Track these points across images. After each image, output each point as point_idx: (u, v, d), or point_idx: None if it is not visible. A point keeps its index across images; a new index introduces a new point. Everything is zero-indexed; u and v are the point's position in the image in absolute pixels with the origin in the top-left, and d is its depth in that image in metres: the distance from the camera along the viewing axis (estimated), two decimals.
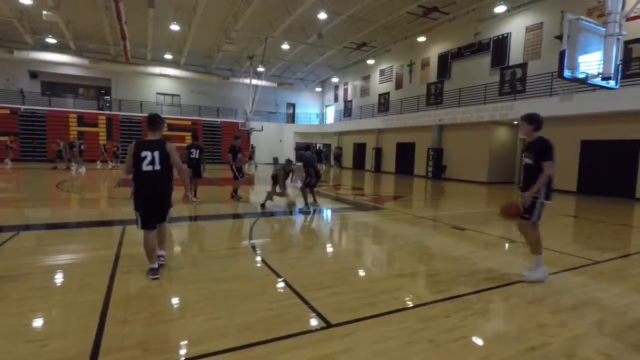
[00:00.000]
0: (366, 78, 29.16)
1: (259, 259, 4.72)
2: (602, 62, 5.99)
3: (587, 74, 6.06)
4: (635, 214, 10.02)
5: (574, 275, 4.35)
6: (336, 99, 34.25)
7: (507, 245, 6.01)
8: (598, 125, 13.68)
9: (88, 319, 2.81)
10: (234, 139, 10.12)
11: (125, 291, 3.41)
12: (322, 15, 18.35)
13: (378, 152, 26.19)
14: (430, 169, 20.64)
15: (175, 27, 20.54)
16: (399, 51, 24.62)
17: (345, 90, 32.32)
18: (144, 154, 3.70)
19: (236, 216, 8.09)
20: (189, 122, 29.29)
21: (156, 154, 3.73)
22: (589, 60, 6.06)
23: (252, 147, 27.85)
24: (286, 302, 3.28)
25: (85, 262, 4.44)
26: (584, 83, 6.48)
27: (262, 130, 29.72)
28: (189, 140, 28.11)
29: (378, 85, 27.61)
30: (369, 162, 27.31)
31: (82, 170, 18.02)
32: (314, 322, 2.91)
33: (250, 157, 26.27)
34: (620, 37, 6.04)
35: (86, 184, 13.71)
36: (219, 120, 31.02)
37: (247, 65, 27.76)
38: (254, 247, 5.23)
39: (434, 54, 22.14)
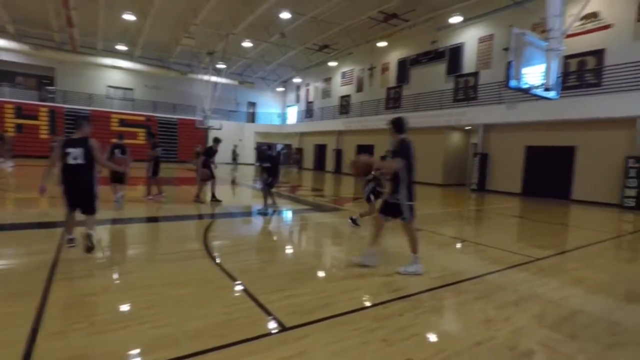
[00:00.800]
0: (328, 80, 29.39)
1: (213, 262, 4.59)
2: (544, 74, 6.46)
3: (531, 84, 6.50)
4: (571, 214, 10.87)
5: (517, 272, 4.63)
6: (298, 99, 34.22)
7: (459, 244, 6.28)
8: (540, 132, 14.71)
9: (17, 331, 2.56)
10: (214, 142, 9.55)
11: (64, 299, 3.18)
12: (285, 15, 18.30)
13: (338, 153, 26.47)
14: None
15: (129, 17, 19.57)
16: (360, 55, 25.04)
17: (307, 91, 32.38)
18: (68, 150, 4.28)
19: (191, 217, 7.82)
20: (143, 118, 28.02)
21: (80, 150, 4.31)
22: (532, 72, 6.51)
23: (199, 148, 27.07)
24: (241, 306, 3.21)
25: (19, 268, 4.09)
26: (527, 93, 6.94)
27: (221, 128, 28.96)
28: (142, 137, 27.17)
29: (339, 88, 27.92)
30: (330, 163, 27.54)
31: (7, 165, 16.51)
32: (269, 325, 2.87)
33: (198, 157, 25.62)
34: (559, 52, 6.54)
35: (23, 182, 12.68)
36: (175, 117, 29.92)
37: (207, 61, 27.03)
38: (208, 250, 5.08)
39: (393, 59, 22.76)
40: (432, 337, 2.84)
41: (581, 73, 13.99)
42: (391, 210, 4.32)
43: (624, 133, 12.38)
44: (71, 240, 4.55)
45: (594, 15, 13.69)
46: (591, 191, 13.21)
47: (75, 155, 4.26)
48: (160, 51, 27.88)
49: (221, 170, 22.19)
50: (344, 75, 27.46)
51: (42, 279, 3.56)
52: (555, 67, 6.46)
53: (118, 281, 3.73)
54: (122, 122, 27.03)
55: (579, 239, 6.97)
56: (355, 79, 26.26)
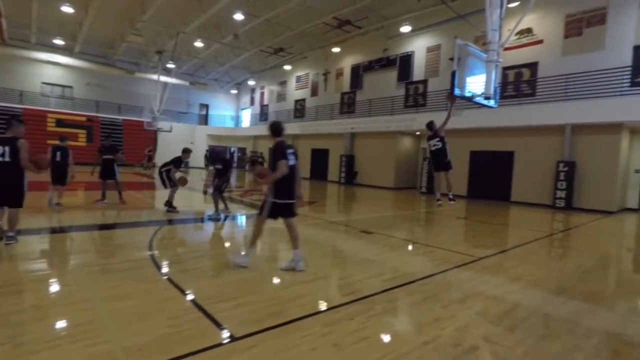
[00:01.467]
0: (283, 83, 29.30)
1: (159, 271, 4.37)
2: (484, 83, 6.89)
3: (473, 93, 6.89)
4: (510, 215, 11.66)
5: (462, 271, 4.85)
6: (252, 102, 33.76)
7: (409, 246, 6.48)
8: (483, 138, 15.66)
9: None
10: (184, 152, 9.13)
11: None
12: (239, 16, 18.00)
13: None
14: (342, 174, 21.45)
15: (67, 9, 18.22)
16: (315, 59, 25.23)
17: (262, 94, 32.06)
18: None
19: (138, 225, 7.41)
20: (84, 118, 26.19)
21: (7, 148, 4.66)
22: (475, 82, 6.91)
23: (150, 151, 25.83)
24: (187, 317, 3.06)
25: None
26: (470, 101, 7.35)
27: (171, 131, 27.92)
28: (82, 138, 25.40)
29: (294, 91, 27.94)
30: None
31: None
32: (217, 336, 2.76)
33: (150, 159, 24.49)
34: (498, 63, 7.01)
35: None
36: (120, 117, 28.24)
37: (156, 60, 25.92)
38: (154, 259, 4.82)
39: (347, 64, 23.18)
40: (382, 339, 2.88)
41: (518, 83, 15.11)
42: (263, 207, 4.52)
43: (555, 139, 13.51)
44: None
45: (528, 31, 14.85)
46: (528, 193, 14.26)
47: (2, 153, 4.62)
48: (103, 47, 26.26)
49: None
50: (299, 79, 27.52)
51: None
52: (494, 77, 6.91)
53: (51, 296, 3.42)
54: (60, 123, 25.07)
55: (517, 238, 7.48)
56: (310, 83, 26.41)
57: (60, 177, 7.93)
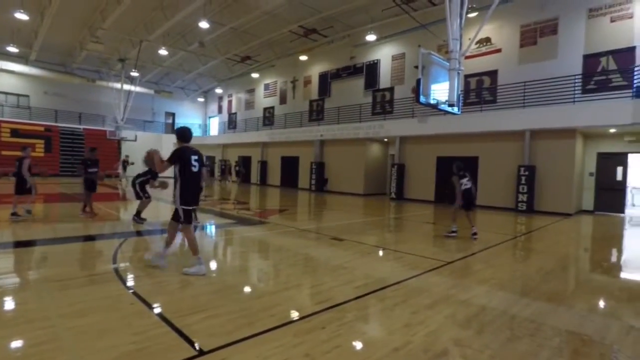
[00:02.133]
0: (251, 91, 29.12)
1: (124, 285, 4.17)
2: (448, 91, 7.14)
3: (438, 100, 7.13)
4: (476, 219, 12.00)
5: (431, 275, 4.94)
6: (220, 110, 33.31)
7: (380, 252, 6.54)
8: (449, 144, 16.15)
9: None
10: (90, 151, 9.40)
11: None
12: (204, 24, 17.77)
13: (263, 165, 26.21)
14: (313, 182, 21.48)
15: (22, 16, 17.32)
16: (282, 67, 25.28)
17: (230, 102, 31.71)
18: None
19: (99, 237, 7.06)
20: (42, 128, 24.92)
21: None
22: (439, 89, 7.15)
23: (127, 157, 24.87)
24: (153, 332, 2.93)
25: None
26: (435, 108, 7.59)
27: (135, 140, 27.02)
28: (40, 148, 24.12)
29: (263, 99, 27.83)
30: (255, 175, 27.13)
31: None
32: (185, 351, 2.65)
33: (125, 168, 23.52)
34: (460, 71, 7.29)
35: None
36: (81, 127, 27.11)
37: (118, 68, 25.08)
38: (118, 272, 4.60)
39: (315, 72, 23.37)
40: (354, 347, 2.87)
41: (479, 91, 15.76)
42: (176, 215, 4.65)
43: (516, 145, 14.15)
44: None
45: (487, 40, 15.57)
46: (492, 197, 14.79)
47: None
48: (62, 55, 25.20)
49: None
50: (267, 87, 27.45)
51: None
52: (457, 84, 7.18)
53: (6, 314, 3.18)
54: (16, 133, 23.77)
55: (483, 241, 7.72)
56: (278, 91, 26.40)
57: (18, 187, 8.14)
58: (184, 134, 4.72)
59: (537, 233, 9.41)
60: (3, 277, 4.40)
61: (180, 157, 4.53)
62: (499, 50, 15.34)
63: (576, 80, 12.87)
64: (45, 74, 25.73)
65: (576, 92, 12.81)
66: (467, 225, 8.14)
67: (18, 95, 26.03)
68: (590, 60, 13.03)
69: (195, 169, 4.58)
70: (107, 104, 27.08)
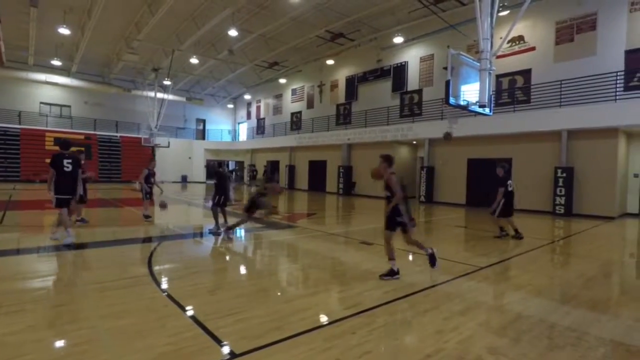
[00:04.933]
0: (278, 96, 29.52)
1: (159, 288, 4.31)
2: (479, 92, 6.95)
3: (468, 101, 6.95)
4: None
5: (464, 281, 4.80)
6: (249, 116, 33.96)
7: (410, 256, 6.43)
8: (480, 146, 15.70)
9: None
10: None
11: None
12: (233, 32, 18.20)
13: (291, 169, 26.45)
14: (341, 185, 21.45)
15: (64, 31, 18.44)
16: (309, 72, 25.48)
17: (258, 107, 32.26)
18: None
19: (135, 241, 7.35)
20: (82, 136, 26.25)
21: None
22: (469, 90, 6.98)
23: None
24: (187, 334, 3.01)
25: None
26: (465, 109, 7.40)
27: (168, 146, 27.99)
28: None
29: (290, 104, 28.14)
30: (283, 179, 27.42)
31: None
32: (218, 353, 2.72)
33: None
34: (491, 71, 7.08)
35: None
36: (118, 134, 28.37)
37: (152, 77, 26.10)
38: (154, 275, 4.77)
39: (342, 76, 23.39)
40: (384, 354, 2.83)
41: (512, 91, 15.25)
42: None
43: (552, 145, 13.57)
44: None
45: (520, 39, 15.06)
46: (527, 200, 14.20)
47: None
48: (100, 66, 26.55)
49: (167, 188, 21.30)
50: (294, 92, 27.73)
51: None
52: (488, 85, 6.97)
53: (49, 315, 3.36)
54: (59, 141, 25.13)
55: (518, 246, 7.44)
56: (305, 96, 26.61)
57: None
58: (63, 143, 6.44)
59: (576, 237, 8.96)
60: (42, 280, 4.65)
61: (55, 161, 6.15)
62: (532, 49, 14.80)
63: (618, 77, 12.21)
64: (85, 85, 27.16)
65: (618, 89, 12.14)
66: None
67: (61, 105, 27.60)
68: (633, 55, 12.31)
69: (67, 169, 6.17)
70: (142, 112, 28.22)
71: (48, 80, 25.71)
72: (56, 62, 24.19)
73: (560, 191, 12.89)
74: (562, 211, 12.80)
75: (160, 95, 26.25)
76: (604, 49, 12.94)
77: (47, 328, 3.11)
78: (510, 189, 7.74)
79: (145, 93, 27.73)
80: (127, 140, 28.17)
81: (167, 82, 25.74)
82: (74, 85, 26.75)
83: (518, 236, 7.75)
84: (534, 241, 7.94)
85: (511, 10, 13.91)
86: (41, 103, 26.70)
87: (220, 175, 8.57)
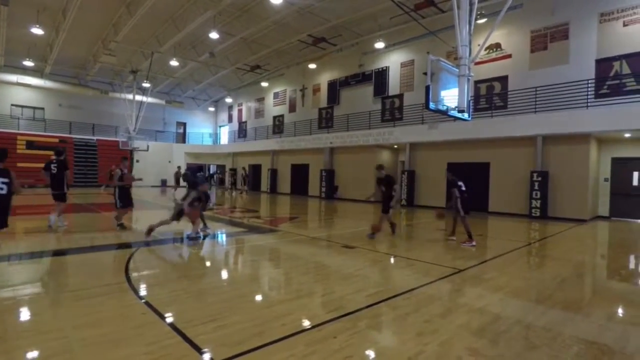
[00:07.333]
0: (260, 100, 29.40)
1: (136, 295, 4.20)
2: (458, 97, 7.10)
3: (447, 106, 7.09)
4: (489, 225, 11.86)
5: (444, 283, 4.87)
6: (230, 119, 33.67)
7: (392, 260, 6.49)
8: (460, 150, 16.03)
9: None
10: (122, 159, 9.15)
11: None
12: (214, 35, 18.06)
13: (273, 173, 26.33)
14: (323, 189, 21.47)
15: (37, 31, 17.88)
16: (291, 76, 25.49)
17: (240, 111, 32.04)
18: None
19: (111, 247, 7.14)
20: (56, 139, 25.45)
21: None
22: (448, 95, 7.12)
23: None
24: (165, 342, 2.94)
25: None
26: (445, 114, 7.55)
27: (147, 150, 27.41)
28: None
29: (272, 108, 28.07)
30: (265, 183, 27.26)
31: None
32: None
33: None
34: (469, 77, 7.26)
35: None
36: (94, 138, 27.64)
37: (130, 79, 25.55)
38: (130, 282, 4.64)
39: (324, 80, 23.51)
40: (366, 357, 2.84)
41: (490, 96, 15.65)
42: None
43: (528, 150, 13.97)
44: None
45: (497, 46, 15.50)
46: (505, 203, 14.60)
47: None
48: (76, 68, 25.85)
49: (146, 193, 20.85)
50: (276, 95, 27.68)
51: None
52: (466, 91, 7.13)
53: (19, 326, 3.22)
54: (31, 145, 24.27)
55: (496, 248, 7.61)
56: (287, 99, 26.60)
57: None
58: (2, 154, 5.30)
59: (551, 239, 9.23)
60: (11, 289, 4.47)
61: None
62: (509, 56, 15.25)
63: (589, 85, 12.70)
64: (59, 87, 26.39)
65: (589, 96, 12.62)
66: (460, 230, 8.14)
67: (34, 108, 26.67)
68: (603, 64, 12.86)
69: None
70: (120, 115, 27.59)
71: (20, 81, 24.90)
72: (28, 63, 23.46)
73: (536, 194, 13.27)
74: (538, 214, 13.17)
75: (139, 97, 25.72)
76: (576, 58, 13.45)
77: (17, 338, 2.98)
78: (463, 188, 7.90)
79: (123, 95, 27.11)
80: (104, 144, 27.47)
81: (146, 85, 25.27)
82: (47, 87, 25.96)
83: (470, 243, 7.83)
84: (511, 244, 8.14)
85: (488, 18, 14.31)
86: (12, 105, 25.76)
87: (187, 179, 8.67)
